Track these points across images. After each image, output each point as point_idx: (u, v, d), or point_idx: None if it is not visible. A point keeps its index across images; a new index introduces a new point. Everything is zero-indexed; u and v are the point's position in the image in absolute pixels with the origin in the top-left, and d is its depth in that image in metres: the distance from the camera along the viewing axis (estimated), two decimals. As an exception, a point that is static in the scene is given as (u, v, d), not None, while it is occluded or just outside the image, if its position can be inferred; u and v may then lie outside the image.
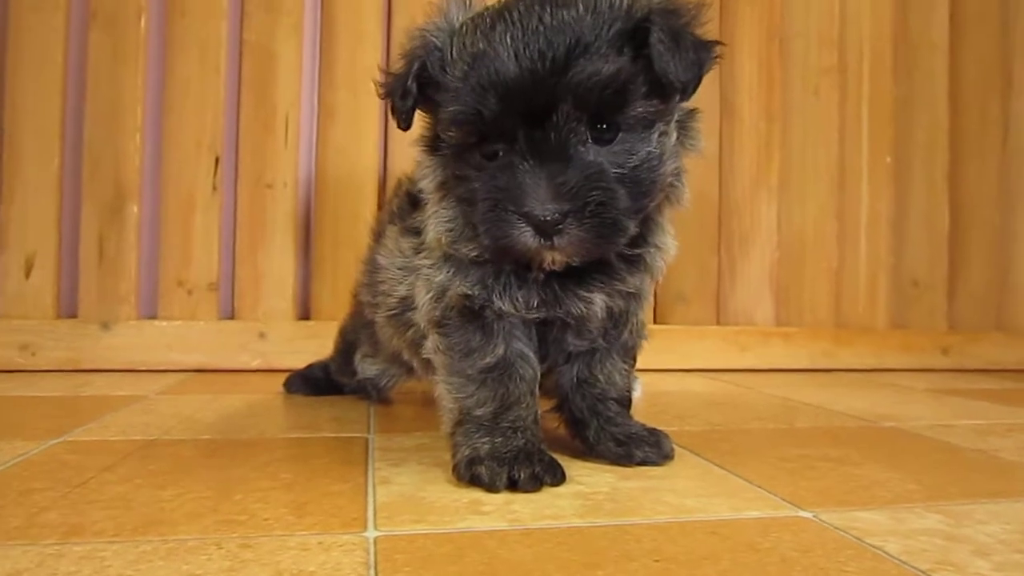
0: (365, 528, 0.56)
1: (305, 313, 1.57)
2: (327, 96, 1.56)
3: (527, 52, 0.61)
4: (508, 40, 0.62)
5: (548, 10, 0.62)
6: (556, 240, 0.62)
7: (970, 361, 1.79)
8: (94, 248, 1.48)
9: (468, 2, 0.70)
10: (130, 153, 1.48)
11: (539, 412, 0.74)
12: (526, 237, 0.62)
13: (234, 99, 1.53)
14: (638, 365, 0.84)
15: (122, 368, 1.45)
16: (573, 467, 0.75)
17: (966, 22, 1.84)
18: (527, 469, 0.66)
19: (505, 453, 0.67)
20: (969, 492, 0.70)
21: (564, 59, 0.61)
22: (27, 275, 1.45)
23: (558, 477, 0.68)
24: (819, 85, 1.74)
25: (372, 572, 0.48)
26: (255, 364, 1.49)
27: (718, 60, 0.69)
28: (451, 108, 0.64)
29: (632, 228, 0.66)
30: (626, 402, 0.81)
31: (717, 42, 0.69)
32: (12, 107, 1.45)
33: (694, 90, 0.67)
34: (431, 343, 0.76)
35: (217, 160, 1.51)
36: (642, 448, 0.76)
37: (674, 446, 0.79)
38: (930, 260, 1.82)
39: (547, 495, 0.66)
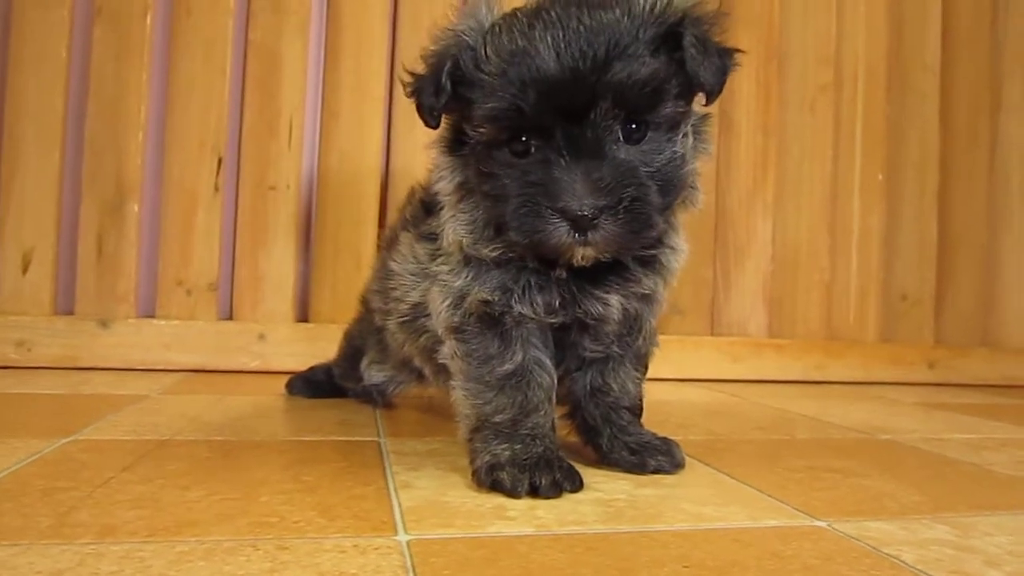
0: (396, 532, 0.57)
1: (304, 316, 1.57)
2: (331, 98, 1.56)
3: (568, 51, 0.63)
4: (549, 39, 0.63)
5: (586, 12, 0.65)
6: (590, 235, 0.64)
7: (956, 376, 1.83)
8: (93, 245, 1.47)
9: (494, 4, 0.72)
10: (132, 151, 1.48)
11: (555, 419, 0.76)
12: (560, 232, 0.64)
13: (238, 99, 1.53)
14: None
15: (119, 367, 1.44)
16: (588, 474, 0.76)
17: (958, 43, 1.89)
18: (548, 476, 0.67)
19: (525, 460, 0.68)
20: (972, 504, 0.73)
21: (604, 59, 0.63)
22: (24, 271, 1.44)
23: (577, 484, 0.69)
24: (815, 102, 1.78)
25: (412, 575, 0.48)
26: (253, 365, 1.49)
27: (737, 67, 0.72)
28: (488, 104, 0.66)
29: (661, 224, 0.68)
30: (638, 411, 0.82)
31: (738, 49, 0.73)
32: (13, 102, 1.44)
33: (719, 93, 0.71)
34: (448, 349, 0.77)
35: (220, 160, 1.51)
36: (655, 457, 0.77)
37: (685, 455, 0.80)
38: (919, 275, 1.86)
39: (568, 502, 0.67)
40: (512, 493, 0.66)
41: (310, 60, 1.57)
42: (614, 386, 0.79)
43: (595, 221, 0.63)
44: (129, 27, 1.48)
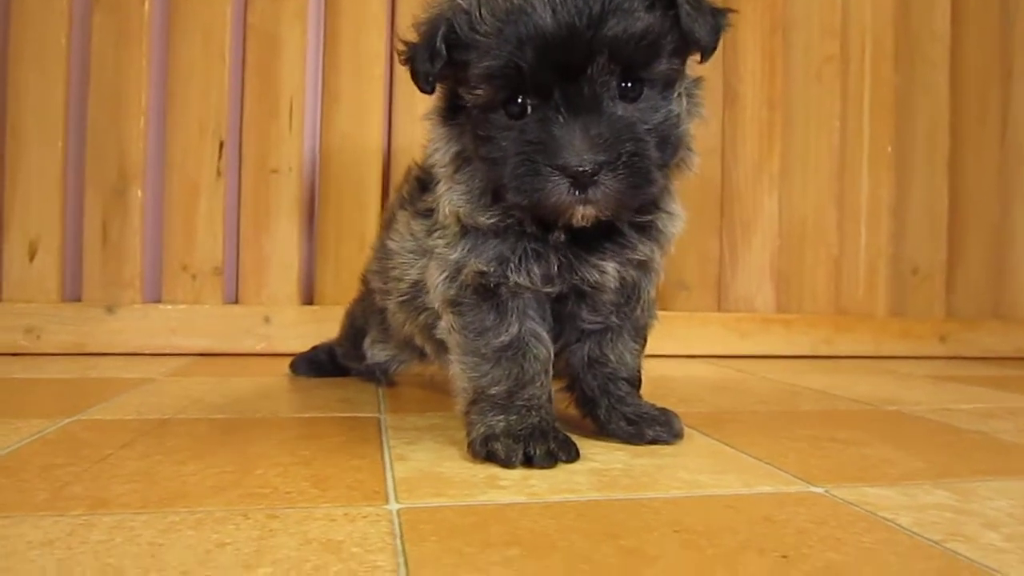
0: (387, 501, 0.57)
1: (309, 298, 1.57)
2: (331, 81, 1.56)
3: (564, 7, 0.62)
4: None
5: None
6: (590, 192, 0.63)
7: (967, 349, 1.81)
8: (98, 232, 1.48)
9: None
10: (134, 137, 1.48)
11: (552, 391, 0.75)
12: (560, 189, 0.64)
13: (238, 83, 1.53)
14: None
15: (127, 352, 1.45)
16: (585, 445, 0.75)
17: (967, 11, 1.85)
18: (542, 446, 0.67)
19: (520, 430, 0.68)
20: (974, 470, 0.72)
21: (600, 14, 0.62)
22: (31, 259, 1.45)
23: (572, 454, 0.69)
24: (821, 73, 1.75)
25: (398, 541, 0.48)
26: (260, 348, 1.50)
27: (730, 26, 0.73)
28: (484, 63, 0.65)
29: (660, 180, 0.68)
30: (636, 382, 0.82)
31: (730, 9, 0.73)
32: (15, 91, 1.44)
33: (713, 51, 0.71)
34: (445, 323, 0.77)
35: (221, 144, 1.51)
36: (653, 427, 0.77)
37: (683, 426, 0.80)
38: (929, 248, 1.83)
39: (563, 471, 0.67)
40: (506, 463, 0.66)
41: (309, 43, 1.56)
42: (612, 357, 0.79)
43: (595, 177, 0.63)
44: (128, 14, 1.48)
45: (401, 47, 0.74)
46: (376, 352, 1.08)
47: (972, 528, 0.54)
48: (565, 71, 0.63)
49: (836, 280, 1.77)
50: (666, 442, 0.77)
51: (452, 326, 0.75)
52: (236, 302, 1.53)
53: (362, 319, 1.12)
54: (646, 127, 0.66)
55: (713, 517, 0.55)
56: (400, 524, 0.52)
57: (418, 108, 1.53)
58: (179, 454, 0.70)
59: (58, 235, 1.46)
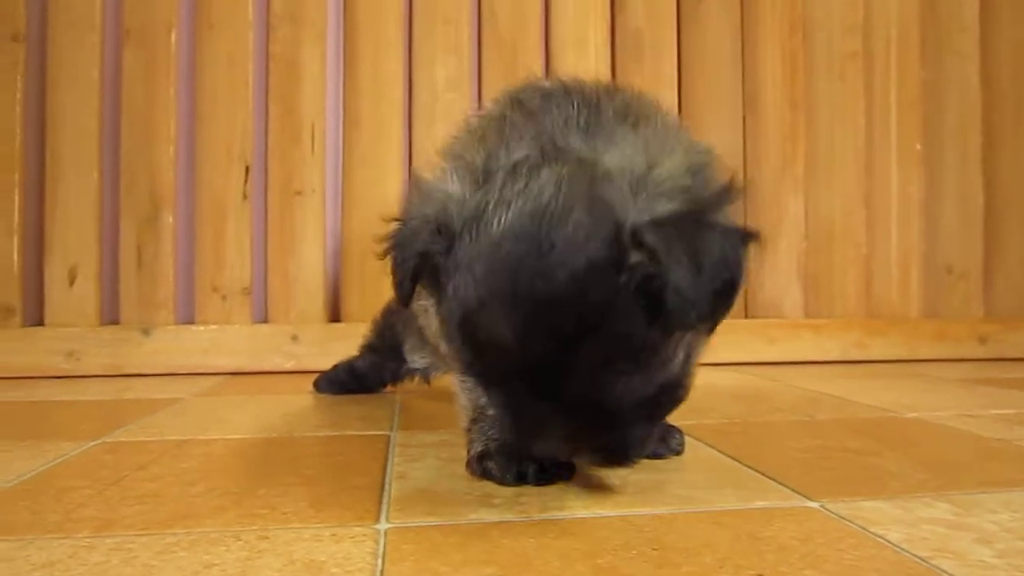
0: (377, 520, 0.59)
1: (336, 315, 1.61)
2: (351, 105, 1.59)
3: (526, 327, 0.53)
4: (499, 304, 0.53)
5: (541, 273, 0.52)
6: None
7: (1009, 350, 1.75)
8: (133, 257, 1.54)
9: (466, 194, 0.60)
10: (164, 164, 1.54)
11: None
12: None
13: (262, 109, 1.58)
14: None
15: (162, 372, 1.50)
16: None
17: (998, 1, 1.80)
18: (534, 464, 0.67)
19: (513, 448, 0.69)
20: (984, 481, 0.70)
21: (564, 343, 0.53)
22: (71, 284, 1.52)
23: (565, 471, 0.69)
24: (844, 71, 1.72)
25: (380, 561, 0.50)
26: (288, 366, 1.53)
27: (749, 263, 0.59)
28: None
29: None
30: None
31: (748, 234, 0.57)
32: (53, 123, 1.52)
33: (723, 316, 0.58)
34: (444, 346, 0.78)
35: (247, 169, 1.56)
36: None
37: (684, 441, 0.79)
38: (965, 246, 1.78)
39: (556, 489, 0.67)
40: (501, 481, 0.67)
41: (329, 68, 1.61)
42: None
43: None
44: (155, 46, 1.54)
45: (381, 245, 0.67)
46: (415, 358, 1.11)
47: (963, 544, 0.53)
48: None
49: (867, 282, 1.74)
50: (661, 457, 0.76)
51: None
52: (265, 321, 1.58)
53: (401, 326, 1.15)
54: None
55: (697, 534, 0.55)
56: (385, 544, 0.53)
57: (436, 129, 1.56)
58: (190, 475, 0.73)
59: (95, 260, 1.52)
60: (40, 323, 1.52)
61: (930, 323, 1.74)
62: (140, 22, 1.53)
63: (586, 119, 0.64)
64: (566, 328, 0.52)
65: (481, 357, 0.57)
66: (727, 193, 0.59)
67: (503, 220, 0.55)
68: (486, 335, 0.54)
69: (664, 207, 0.55)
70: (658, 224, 0.53)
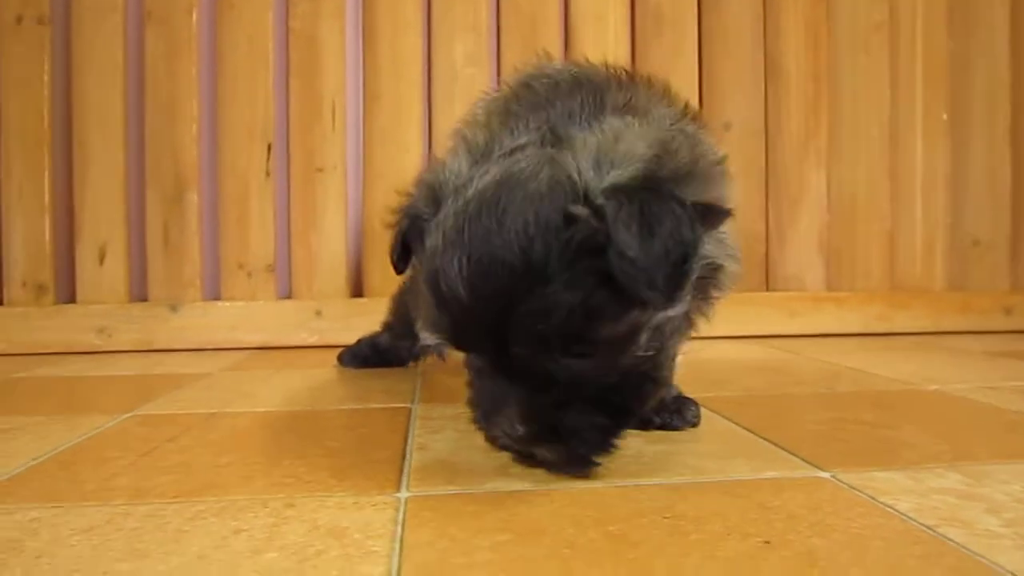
0: (398, 490, 0.61)
1: (358, 291, 1.63)
2: (371, 80, 1.60)
3: (473, 282, 0.54)
4: (456, 264, 0.55)
5: (495, 230, 0.54)
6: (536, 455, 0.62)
7: (1035, 322, 1.73)
8: (160, 235, 1.57)
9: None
10: (188, 144, 1.56)
11: None
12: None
13: (283, 87, 1.60)
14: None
15: (190, 348, 1.54)
16: (603, 433, 0.78)
17: (1030, -34, 1.76)
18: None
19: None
20: (999, 453, 0.70)
21: (508, 296, 0.53)
22: (101, 262, 1.55)
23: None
24: (869, 43, 1.69)
25: (399, 528, 0.52)
26: (312, 341, 1.56)
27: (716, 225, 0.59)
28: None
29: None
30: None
31: (711, 211, 0.57)
32: (80, 106, 1.54)
33: (677, 293, 0.54)
34: None
35: (269, 147, 1.58)
36: (661, 415, 0.77)
37: (699, 413, 0.80)
38: (992, 218, 1.76)
39: (573, 459, 0.69)
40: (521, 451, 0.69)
41: (348, 43, 1.61)
42: None
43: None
44: (177, 26, 1.55)
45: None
46: (426, 335, 1.13)
47: (972, 513, 0.54)
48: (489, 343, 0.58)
49: (890, 255, 1.72)
50: (676, 428, 0.78)
51: None
52: (289, 297, 1.60)
53: (412, 303, 1.16)
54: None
55: (707, 503, 0.56)
56: (404, 511, 0.55)
57: (455, 104, 1.57)
58: (218, 446, 0.75)
59: (124, 239, 1.56)
60: (72, 300, 1.56)
61: (955, 295, 1.72)
62: (162, 3, 1.55)
63: (589, 113, 0.65)
64: (509, 284, 0.53)
65: (444, 315, 0.58)
66: (694, 169, 0.59)
67: (478, 186, 0.58)
68: (446, 290, 0.56)
69: (621, 175, 0.55)
70: (614, 189, 0.54)
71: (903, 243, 1.73)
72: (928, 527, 0.51)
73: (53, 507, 0.57)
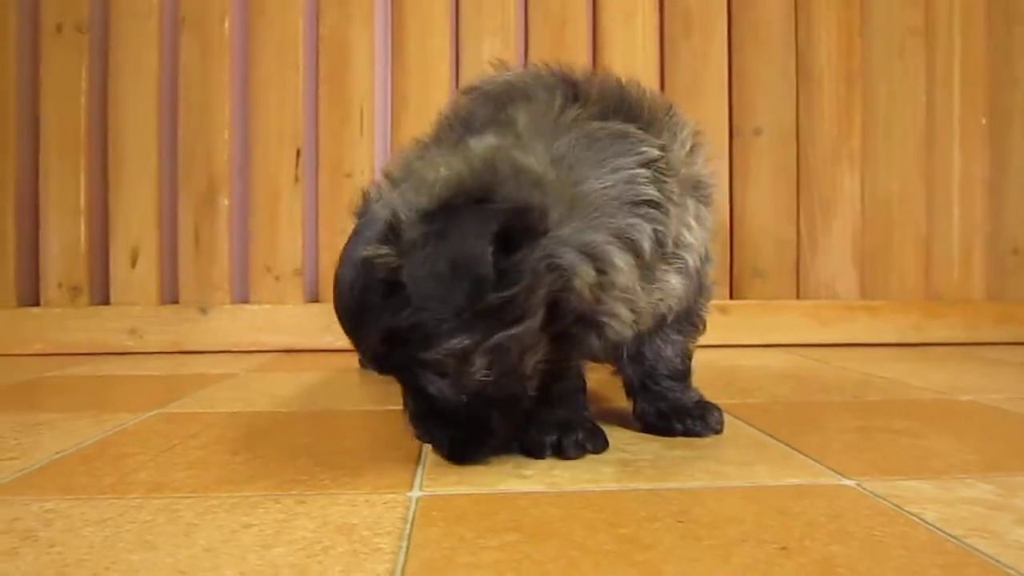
0: (410, 489, 0.60)
1: (384, 295, 1.63)
2: (399, 84, 1.61)
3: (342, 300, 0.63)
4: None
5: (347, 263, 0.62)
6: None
7: (1079, 333, 1.67)
8: (191, 238, 1.59)
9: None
10: (219, 148, 1.59)
11: (583, 384, 0.75)
12: None
13: (312, 92, 1.61)
14: (712, 342, 0.82)
15: (218, 350, 1.56)
16: (624, 436, 0.77)
17: (1073, -33, 1.70)
18: (569, 436, 0.68)
19: (549, 422, 0.70)
20: (1034, 463, 0.68)
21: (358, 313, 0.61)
22: (133, 265, 1.58)
23: (599, 444, 0.70)
24: (904, 46, 1.66)
25: (408, 526, 0.51)
26: (338, 344, 1.54)
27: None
28: None
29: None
30: (679, 375, 0.79)
31: (507, 216, 0.57)
32: (115, 110, 1.58)
33: (472, 306, 0.57)
34: None
35: (298, 152, 1.59)
36: (683, 420, 0.76)
37: (723, 419, 0.78)
38: (1033, 226, 1.70)
39: (589, 462, 0.68)
40: (534, 453, 0.68)
41: (377, 48, 1.63)
42: (648, 355, 0.77)
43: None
44: (210, 33, 1.58)
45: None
46: None
47: (1002, 524, 0.51)
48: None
49: (926, 263, 1.68)
50: (698, 434, 0.76)
51: None
52: (316, 301, 1.61)
53: None
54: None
55: (724, 508, 0.55)
56: (415, 510, 0.55)
57: (481, 106, 1.56)
58: (236, 444, 0.76)
59: (156, 242, 1.58)
60: (106, 302, 1.59)
61: (993, 305, 1.67)
62: (195, 10, 1.58)
63: (476, 129, 0.66)
64: (354, 310, 0.61)
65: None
66: (493, 179, 0.58)
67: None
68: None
69: (426, 200, 0.58)
70: (418, 216, 0.57)
71: (939, 251, 1.69)
72: (954, 537, 0.49)
73: (71, 499, 0.58)
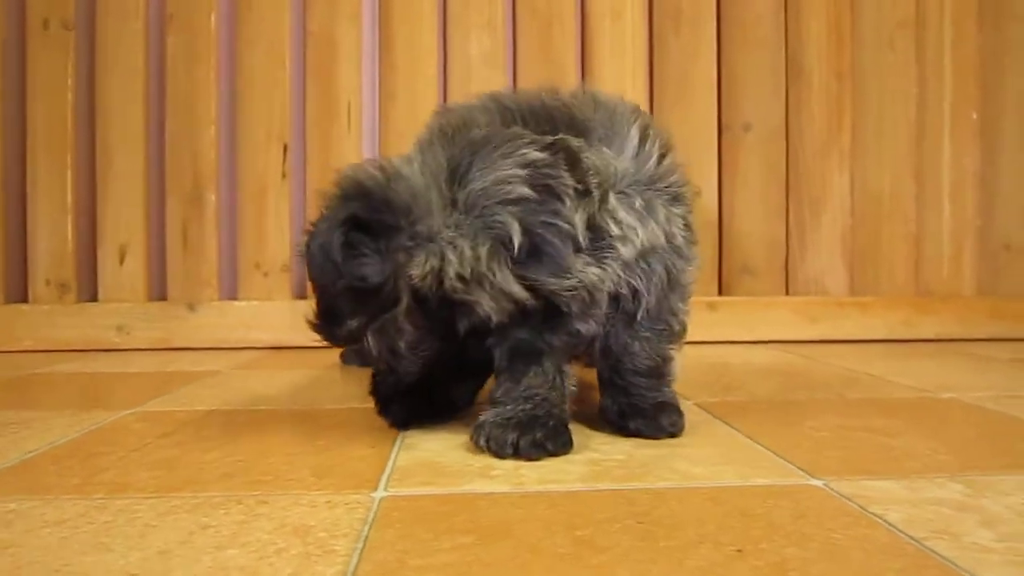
0: (375, 489, 0.60)
1: (372, 292, 1.63)
2: (387, 80, 1.61)
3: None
4: None
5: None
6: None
7: (1071, 329, 1.67)
8: (179, 235, 1.59)
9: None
10: (206, 145, 1.58)
11: (560, 380, 0.74)
12: None
13: (299, 88, 1.61)
14: (700, 338, 0.82)
15: (207, 347, 1.56)
16: (598, 436, 0.76)
17: (1067, -40, 1.69)
18: (528, 435, 0.67)
19: (509, 419, 0.69)
20: (1008, 464, 0.67)
21: None
22: (121, 262, 1.58)
23: (559, 444, 0.68)
24: (894, 40, 1.65)
25: (366, 528, 0.51)
26: (325, 341, 1.56)
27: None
28: None
29: None
30: (648, 372, 0.77)
31: (340, 225, 0.68)
32: (103, 109, 1.57)
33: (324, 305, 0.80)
34: None
35: (285, 148, 1.59)
36: (636, 420, 0.75)
37: (682, 422, 0.76)
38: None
39: (559, 462, 0.67)
40: (498, 453, 0.68)
41: (364, 44, 1.62)
42: (614, 348, 0.77)
43: None
44: (197, 30, 1.58)
45: None
46: None
47: (966, 526, 0.51)
48: None
49: (916, 258, 1.67)
50: (650, 437, 0.75)
51: None
52: (304, 297, 1.61)
53: None
54: None
55: (687, 509, 0.54)
56: (376, 511, 0.54)
57: (468, 102, 1.56)
58: (207, 443, 0.75)
59: (143, 239, 1.58)
60: (93, 299, 1.59)
61: (984, 301, 1.66)
62: (182, 6, 1.57)
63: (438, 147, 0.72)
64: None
65: None
66: (347, 194, 0.71)
67: None
68: None
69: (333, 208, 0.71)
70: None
71: (930, 246, 1.68)
72: (915, 539, 0.49)
73: (34, 499, 0.58)
